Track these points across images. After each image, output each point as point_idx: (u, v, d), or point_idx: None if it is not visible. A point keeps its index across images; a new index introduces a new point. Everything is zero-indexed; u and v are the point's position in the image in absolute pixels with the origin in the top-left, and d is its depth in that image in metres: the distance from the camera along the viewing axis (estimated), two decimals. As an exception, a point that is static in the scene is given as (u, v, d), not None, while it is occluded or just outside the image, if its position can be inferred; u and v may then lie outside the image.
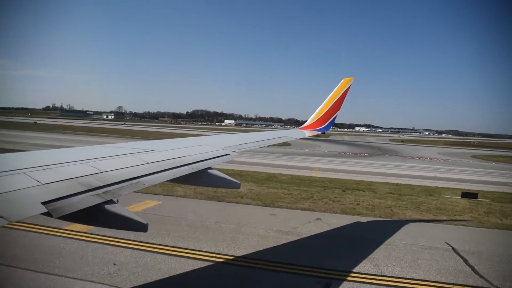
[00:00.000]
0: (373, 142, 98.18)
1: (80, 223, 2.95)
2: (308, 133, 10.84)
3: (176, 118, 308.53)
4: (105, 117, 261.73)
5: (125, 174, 3.59)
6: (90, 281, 7.94)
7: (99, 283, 7.88)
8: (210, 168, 4.80)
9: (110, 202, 3.02)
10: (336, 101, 10.81)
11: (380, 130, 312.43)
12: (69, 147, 5.01)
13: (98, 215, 2.92)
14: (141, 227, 3.05)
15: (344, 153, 54.26)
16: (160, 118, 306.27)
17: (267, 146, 8.13)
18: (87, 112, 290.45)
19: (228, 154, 5.68)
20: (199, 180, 4.68)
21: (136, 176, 3.64)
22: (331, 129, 12.15)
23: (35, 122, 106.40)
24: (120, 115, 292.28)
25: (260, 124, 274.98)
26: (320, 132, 11.17)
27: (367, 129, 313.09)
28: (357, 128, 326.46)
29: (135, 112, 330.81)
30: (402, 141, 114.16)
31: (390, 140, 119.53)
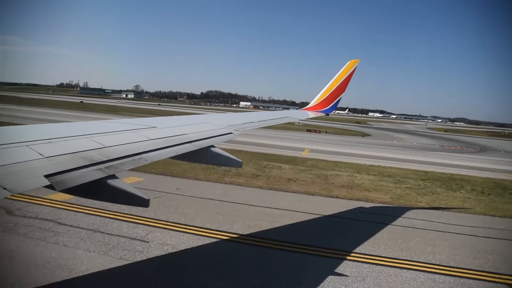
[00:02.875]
0: (421, 131, 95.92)
1: (82, 196, 2.97)
2: (312, 114, 10.76)
3: (190, 98, 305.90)
4: (124, 95, 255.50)
5: (128, 150, 3.59)
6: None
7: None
8: (212, 146, 4.80)
9: (113, 177, 3.03)
10: (341, 83, 10.66)
11: (394, 116, 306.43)
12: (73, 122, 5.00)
13: (101, 190, 2.94)
14: (143, 202, 3.08)
15: (448, 147, 51.17)
16: (179, 98, 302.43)
17: (269, 125, 8.09)
18: (105, 91, 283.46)
19: (231, 133, 5.66)
20: (202, 157, 4.69)
21: (138, 152, 3.64)
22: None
23: (81, 102, 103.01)
24: (139, 94, 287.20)
25: (277, 107, 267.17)
26: (323, 114, 11.08)
27: (381, 115, 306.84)
28: (370, 114, 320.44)
29: (146, 91, 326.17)
30: (446, 130, 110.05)
31: (428, 128, 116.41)
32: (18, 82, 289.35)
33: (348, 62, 10.62)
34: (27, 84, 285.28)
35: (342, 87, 10.76)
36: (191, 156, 4.41)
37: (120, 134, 4.11)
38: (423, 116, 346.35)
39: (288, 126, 62.67)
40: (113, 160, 3.26)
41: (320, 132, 58.05)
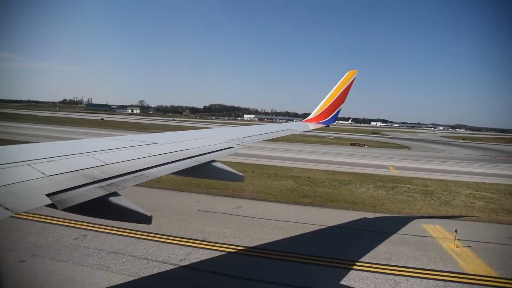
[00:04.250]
0: (444, 140, 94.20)
1: (84, 214, 2.95)
2: (312, 126, 10.78)
3: (194, 112, 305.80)
4: (130, 111, 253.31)
5: (129, 167, 3.58)
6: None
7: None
8: (214, 161, 4.79)
9: (114, 194, 3.02)
10: (340, 94, 10.73)
11: (397, 125, 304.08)
12: (74, 139, 5.01)
13: (102, 207, 2.93)
14: (145, 220, 3.05)
15: (499, 157, 49.50)
16: (184, 113, 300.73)
17: (271, 139, 8.08)
18: (111, 106, 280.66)
19: (232, 147, 5.66)
20: (203, 173, 4.67)
21: (140, 168, 3.63)
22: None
23: (102, 119, 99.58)
24: (145, 109, 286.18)
25: (281, 119, 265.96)
26: (324, 125, 11.10)
27: (383, 124, 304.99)
28: (372, 123, 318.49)
29: (148, 106, 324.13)
30: (463, 138, 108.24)
31: (443, 137, 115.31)
32: (18, 99, 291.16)
33: (347, 73, 10.71)
34: (28, 101, 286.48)
35: (341, 98, 10.82)
36: (192, 171, 4.40)
37: (121, 151, 4.12)
38: (422, 124, 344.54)
39: (323, 141, 62.55)
40: (115, 177, 3.25)
41: (364, 145, 56.11)
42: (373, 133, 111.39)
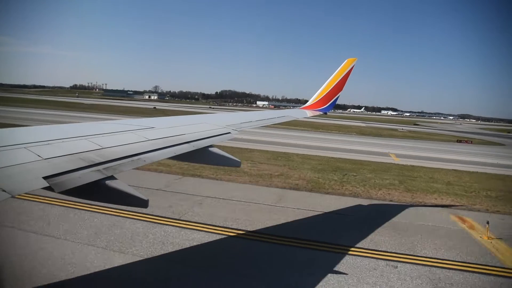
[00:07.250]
0: (495, 133, 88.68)
1: (81, 198, 2.97)
2: (309, 113, 10.77)
3: (206, 98, 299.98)
4: (147, 97, 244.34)
5: (126, 151, 3.59)
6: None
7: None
8: (211, 146, 4.81)
9: (111, 178, 3.04)
10: (339, 81, 10.66)
11: (408, 114, 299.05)
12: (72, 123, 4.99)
13: (99, 191, 2.95)
14: (142, 203, 3.08)
15: None
16: (201, 99, 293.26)
17: (270, 125, 8.08)
18: (128, 92, 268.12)
19: (229, 133, 5.67)
20: (200, 158, 4.69)
21: (137, 152, 3.65)
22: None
23: (154, 108, 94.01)
24: (162, 95, 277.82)
25: (295, 105, 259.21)
26: (321, 112, 11.08)
27: (395, 113, 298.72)
28: (383, 112, 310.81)
29: (160, 92, 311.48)
30: (508, 131, 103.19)
31: (480, 128, 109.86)
32: (22, 84, 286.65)
33: (346, 61, 10.61)
34: (33, 86, 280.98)
35: (340, 86, 10.76)
36: (189, 156, 4.41)
37: (118, 135, 4.12)
38: (427, 113, 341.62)
39: (407, 135, 59.45)
40: (112, 161, 3.26)
41: (471, 142, 51.92)
42: (414, 124, 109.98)
